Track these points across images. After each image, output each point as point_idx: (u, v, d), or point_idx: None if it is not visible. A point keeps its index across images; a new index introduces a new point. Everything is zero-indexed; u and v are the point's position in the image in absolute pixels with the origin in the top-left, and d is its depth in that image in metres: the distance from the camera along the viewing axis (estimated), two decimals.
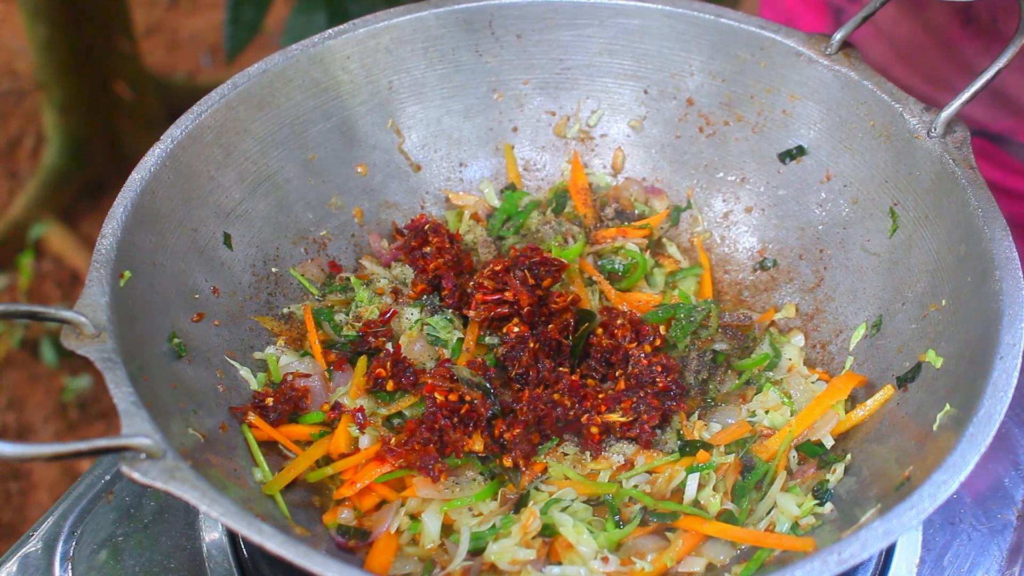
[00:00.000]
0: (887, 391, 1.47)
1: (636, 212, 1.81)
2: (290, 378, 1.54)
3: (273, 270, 1.65)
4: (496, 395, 1.49)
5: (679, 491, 1.43)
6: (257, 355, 1.57)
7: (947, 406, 1.30)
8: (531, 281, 1.57)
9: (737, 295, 1.74)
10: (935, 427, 1.30)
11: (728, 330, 1.65)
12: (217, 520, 1.08)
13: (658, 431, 1.50)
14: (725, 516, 1.40)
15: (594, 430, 1.47)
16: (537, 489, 1.44)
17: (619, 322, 1.59)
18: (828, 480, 1.43)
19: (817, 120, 1.66)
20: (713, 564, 1.37)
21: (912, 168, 1.53)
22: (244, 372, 1.53)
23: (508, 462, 1.44)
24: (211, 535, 1.50)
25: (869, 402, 1.48)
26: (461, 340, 1.59)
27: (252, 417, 1.46)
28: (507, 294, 1.55)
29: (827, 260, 1.67)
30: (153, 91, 4.23)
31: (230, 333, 1.54)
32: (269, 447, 1.47)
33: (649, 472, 1.45)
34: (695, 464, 1.43)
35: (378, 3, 1.72)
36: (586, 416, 1.47)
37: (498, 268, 1.60)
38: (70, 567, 1.50)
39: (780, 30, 1.65)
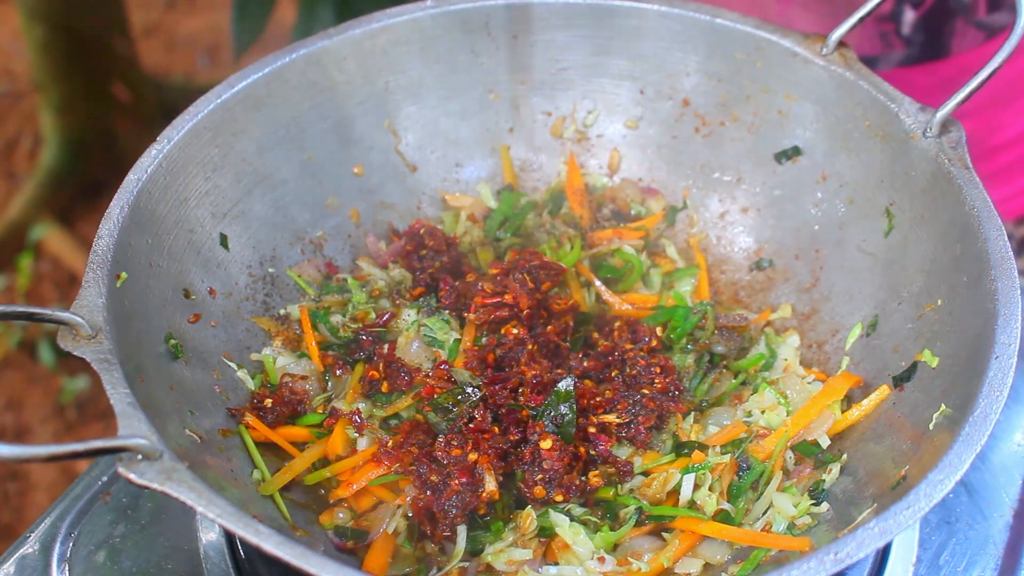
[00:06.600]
0: (883, 391, 1.47)
1: (632, 213, 1.81)
2: (289, 381, 1.53)
3: (269, 271, 1.65)
4: (486, 397, 1.47)
5: (676, 492, 1.43)
6: (254, 356, 1.57)
7: (943, 406, 1.30)
8: (530, 284, 1.57)
9: (733, 295, 1.74)
10: (931, 426, 1.30)
11: (724, 331, 1.65)
12: (214, 521, 1.08)
13: (654, 432, 1.50)
14: (721, 516, 1.40)
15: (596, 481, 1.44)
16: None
17: (616, 324, 1.59)
18: (824, 480, 1.43)
19: (813, 120, 1.66)
20: (710, 564, 1.37)
21: (908, 168, 1.53)
22: (241, 373, 1.53)
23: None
24: (208, 536, 1.50)
25: (865, 402, 1.48)
26: (458, 341, 1.59)
27: (249, 418, 1.46)
28: (506, 297, 1.55)
29: (823, 260, 1.67)
30: (150, 92, 4.22)
31: (227, 334, 1.54)
32: (266, 448, 1.47)
33: (645, 473, 1.45)
34: (691, 465, 1.43)
35: (385, 1, 1.71)
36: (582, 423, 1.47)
37: (497, 271, 1.60)
38: (67, 568, 1.50)
39: (776, 31, 1.65)
